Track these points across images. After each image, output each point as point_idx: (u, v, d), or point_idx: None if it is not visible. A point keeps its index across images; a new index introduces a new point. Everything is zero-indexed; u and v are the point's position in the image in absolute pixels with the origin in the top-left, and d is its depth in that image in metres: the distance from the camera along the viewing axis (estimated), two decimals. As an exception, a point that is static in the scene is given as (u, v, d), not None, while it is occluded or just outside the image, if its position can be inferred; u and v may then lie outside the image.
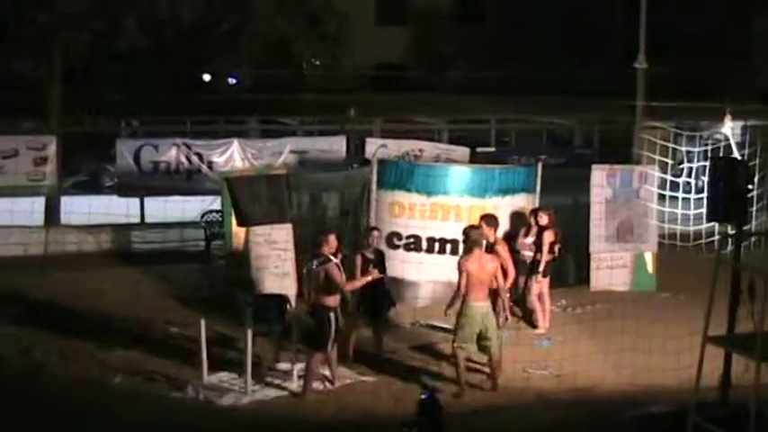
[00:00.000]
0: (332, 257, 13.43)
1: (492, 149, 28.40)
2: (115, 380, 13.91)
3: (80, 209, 22.79)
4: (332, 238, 13.71)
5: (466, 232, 13.69)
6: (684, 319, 13.54)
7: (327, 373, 13.78)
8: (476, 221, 15.71)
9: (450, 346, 13.37)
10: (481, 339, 13.14)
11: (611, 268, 18.77)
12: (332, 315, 13.26)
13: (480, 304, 13.06)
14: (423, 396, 9.47)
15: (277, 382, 13.69)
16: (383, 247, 15.67)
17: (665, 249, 18.73)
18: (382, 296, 14.72)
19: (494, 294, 13.46)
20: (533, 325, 16.23)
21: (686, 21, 36.81)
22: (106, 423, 12.07)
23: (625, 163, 21.47)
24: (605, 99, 30.36)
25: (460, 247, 16.17)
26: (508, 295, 14.53)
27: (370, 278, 13.83)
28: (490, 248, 14.37)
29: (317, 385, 13.47)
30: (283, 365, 14.12)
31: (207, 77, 39.95)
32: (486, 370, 13.50)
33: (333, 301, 13.30)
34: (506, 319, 14.21)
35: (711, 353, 9.75)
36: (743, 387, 9.87)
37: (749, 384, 9.51)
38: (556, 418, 11.62)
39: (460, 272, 13.08)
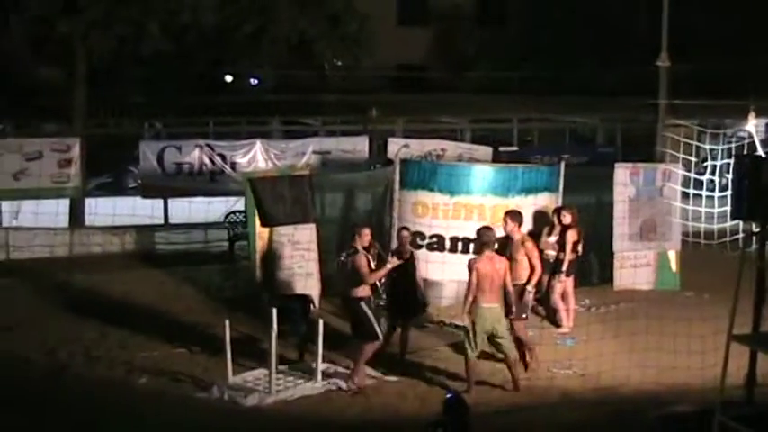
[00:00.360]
0: (361, 250, 13.52)
1: (514, 149, 28.39)
2: (140, 380, 13.99)
3: (104, 210, 22.93)
4: (365, 232, 13.79)
5: (478, 232, 13.65)
6: (708, 317, 13.49)
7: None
8: (499, 221, 15.76)
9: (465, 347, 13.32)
10: (494, 339, 13.17)
11: (635, 267, 18.74)
12: (363, 305, 13.40)
13: (491, 305, 13.05)
14: (448, 396, 9.47)
15: (301, 381, 13.71)
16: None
17: (688, 248, 18.66)
18: (413, 297, 14.73)
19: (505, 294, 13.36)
20: (557, 324, 16.19)
21: (709, 19, 36.59)
22: (131, 423, 12.11)
23: (648, 161, 21.42)
24: (628, 98, 30.24)
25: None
26: (531, 294, 14.44)
27: (389, 268, 13.78)
28: (507, 244, 14.38)
29: (342, 385, 13.54)
30: (307, 365, 14.14)
31: (229, 79, 40.05)
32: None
33: (362, 291, 13.46)
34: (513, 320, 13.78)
35: (736, 351, 9.72)
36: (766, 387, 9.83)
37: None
38: (580, 418, 11.61)
39: (470, 271, 13.07)
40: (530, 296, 14.38)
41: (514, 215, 14.91)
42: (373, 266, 13.62)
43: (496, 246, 13.75)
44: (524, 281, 14.23)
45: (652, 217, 18.76)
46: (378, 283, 14.02)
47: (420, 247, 16.82)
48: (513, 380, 13.37)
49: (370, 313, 13.48)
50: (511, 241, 14.61)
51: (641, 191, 18.79)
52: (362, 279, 13.39)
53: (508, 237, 14.69)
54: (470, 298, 13.07)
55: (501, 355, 13.44)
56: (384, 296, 14.76)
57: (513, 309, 13.49)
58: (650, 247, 18.77)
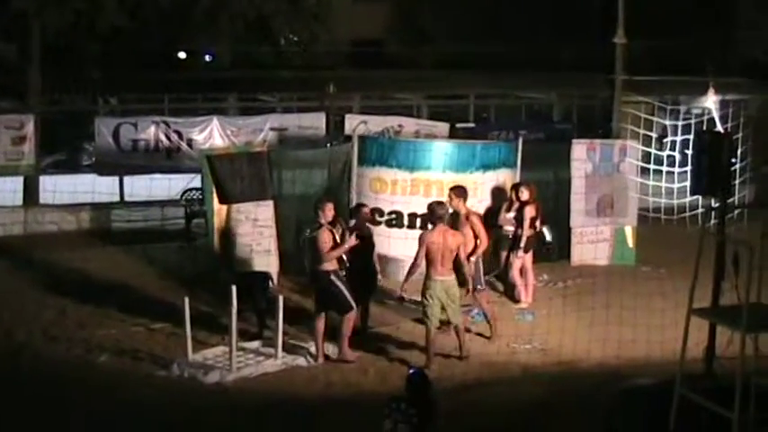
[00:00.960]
0: (325, 225, 13.52)
1: (471, 125, 28.38)
2: (100, 359, 13.88)
3: (59, 188, 22.66)
4: (329, 207, 13.75)
5: (431, 207, 13.75)
6: (667, 292, 13.66)
7: (313, 349, 13.84)
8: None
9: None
10: (445, 308, 13.38)
11: (592, 242, 18.86)
12: (333, 277, 13.46)
13: (443, 278, 13.28)
14: (410, 371, 9.48)
15: (261, 358, 13.68)
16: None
17: (648, 223, 18.82)
18: (372, 273, 14.72)
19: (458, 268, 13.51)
20: (515, 299, 16.28)
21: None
22: (92, 401, 11.99)
23: (605, 138, 21.54)
24: (584, 74, 30.34)
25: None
26: (473, 266, 14.35)
27: (348, 246, 13.69)
28: (455, 219, 14.38)
29: (302, 361, 13.55)
30: (267, 342, 14.10)
31: (183, 55, 39.68)
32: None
33: (330, 265, 13.49)
34: (467, 292, 13.87)
35: (695, 325, 9.77)
36: (726, 359, 9.91)
37: (732, 357, 9.56)
38: (542, 392, 11.66)
39: (420, 244, 13.27)
40: (475, 266, 14.44)
41: (459, 190, 14.88)
42: (338, 241, 13.59)
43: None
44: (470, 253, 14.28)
45: (609, 193, 18.90)
46: (344, 255, 13.97)
47: (379, 223, 16.79)
48: (459, 347, 13.61)
49: (341, 285, 13.52)
50: (457, 216, 14.58)
51: (598, 167, 18.92)
52: (322, 256, 13.36)
53: (455, 212, 14.61)
54: (414, 271, 13.37)
55: (452, 323, 13.63)
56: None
57: (470, 284, 13.65)
58: (607, 222, 18.90)
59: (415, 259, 13.35)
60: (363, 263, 14.44)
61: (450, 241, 13.29)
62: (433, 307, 13.27)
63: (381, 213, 16.95)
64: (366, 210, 15.24)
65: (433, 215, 13.52)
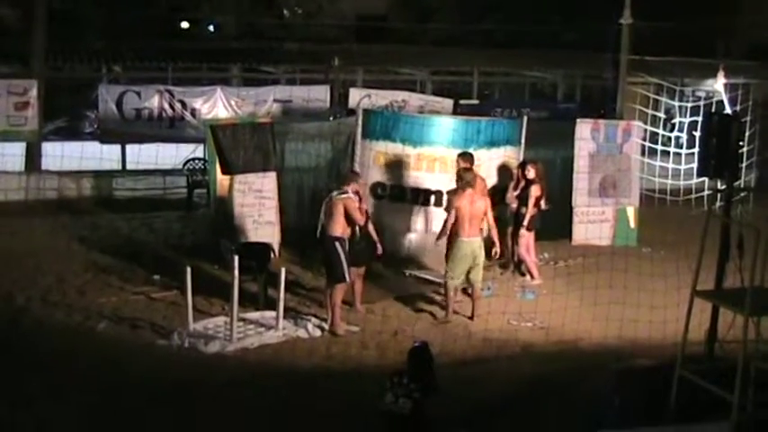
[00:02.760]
0: (352, 193, 13.82)
1: (475, 102, 28.32)
2: (99, 326, 13.85)
3: (60, 154, 22.58)
4: (359, 179, 14.35)
5: (458, 173, 14.60)
6: (668, 273, 13.60)
7: (312, 322, 13.86)
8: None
9: (446, 275, 14.34)
10: (469, 271, 14.20)
11: (594, 222, 18.87)
12: (337, 244, 13.63)
13: (471, 239, 14.11)
14: (415, 345, 9.49)
15: (262, 329, 13.68)
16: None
17: (653, 204, 18.81)
18: (370, 246, 14.73)
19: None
20: (522, 274, 16.25)
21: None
22: (90, 369, 11.97)
23: (609, 118, 21.52)
24: (590, 54, 30.28)
25: (444, 199, 16.34)
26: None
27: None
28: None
29: (303, 333, 13.56)
30: (268, 313, 14.12)
31: (185, 25, 39.56)
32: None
33: (340, 231, 13.72)
34: (496, 254, 14.72)
35: (696, 307, 9.78)
36: (727, 342, 9.92)
37: (734, 340, 9.57)
38: (542, 370, 11.66)
39: (450, 208, 14.19)
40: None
41: (465, 155, 15.45)
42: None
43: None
44: None
45: (612, 173, 18.90)
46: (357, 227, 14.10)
47: (381, 197, 16.78)
48: (472, 309, 14.35)
49: (342, 254, 13.65)
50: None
51: (602, 147, 18.92)
52: (349, 222, 13.74)
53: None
54: (447, 231, 14.19)
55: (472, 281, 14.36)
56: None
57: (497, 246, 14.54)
58: (609, 203, 18.89)
59: (446, 222, 14.23)
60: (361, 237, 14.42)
61: (477, 205, 14.14)
62: (460, 266, 14.12)
63: (384, 187, 16.89)
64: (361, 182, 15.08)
65: (461, 180, 14.35)
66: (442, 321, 14.22)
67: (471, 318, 14.31)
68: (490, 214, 14.38)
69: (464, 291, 15.02)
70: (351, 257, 14.07)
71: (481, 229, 14.40)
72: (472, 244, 14.13)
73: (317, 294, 15.19)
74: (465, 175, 14.41)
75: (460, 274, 14.24)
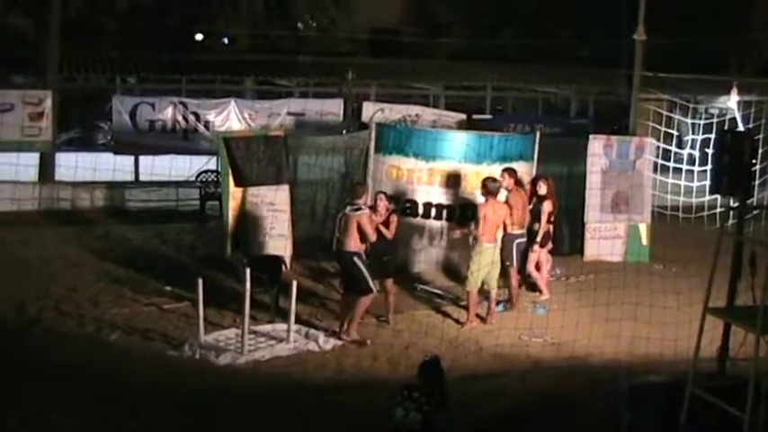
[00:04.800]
0: (365, 208, 14.01)
1: (488, 116, 28.37)
2: (111, 337, 13.88)
3: (75, 165, 22.66)
4: (367, 191, 14.51)
5: (484, 183, 15.06)
6: (680, 290, 13.62)
7: (323, 336, 13.89)
8: (472, 188, 16.28)
9: (468, 282, 14.80)
10: (488, 273, 14.81)
11: (606, 238, 18.84)
12: (356, 259, 13.79)
13: (491, 245, 14.79)
14: (426, 359, 9.49)
15: (273, 342, 13.70)
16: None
17: (664, 221, 18.78)
18: (388, 259, 14.77)
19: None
20: (533, 290, 16.25)
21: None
22: (102, 380, 11.97)
23: (621, 134, 21.51)
24: (603, 70, 30.32)
25: (457, 213, 16.39)
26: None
27: (386, 230, 14.42)
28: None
29: (314, 346, 13.59)
30: (279, 326, 14.14)
31: (199, 37, 39.69)
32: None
33: (356, 246, 13.86)
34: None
35: (708, 325, 9.76)
36: (739, 360, 9.90)
37: (745, 357, 9.55)
38: (553, 386, 11.64)
39: (480, 217, 14.65)
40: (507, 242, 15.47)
41: (511, 171, 15.93)
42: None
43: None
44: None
45: (624, 189, 18.87)
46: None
47: (394, 211, 16.78)
48: (488, 310, 14.96)
49: (363, 267, 13.80)
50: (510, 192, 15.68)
51: (614, 163, 18.91)
52: (363, 237, 13.84)
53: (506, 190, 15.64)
54: (478, 236, 14.73)
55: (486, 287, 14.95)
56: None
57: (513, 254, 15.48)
58: (621, 219, 18.87)
59: (477, 230, 14.76)
60: (379, 249, 14.49)
61: (499, 212, 14.94)
62: (480, 272, 14.65)
63: (397, 202, 16.89)
64: (382, 196, 15.12)
65: (487, 189, 14.91)
66: (464, 323, 14.78)
67: (485, 321, 14.78)
68: (507, 221, 15.17)
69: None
70: (379, 269, 14.33)
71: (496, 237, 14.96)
72: (491, 249, 14.77)
73: (329, 307, 15.23)
74: (490, 185, 14.92)
75: (481, 280, 14.72)
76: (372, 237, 13.94)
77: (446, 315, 15.27)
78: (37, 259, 17.49)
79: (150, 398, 11.24)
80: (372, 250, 14.30)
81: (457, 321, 14.96)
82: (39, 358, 12.64)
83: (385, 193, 15.38)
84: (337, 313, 14.62)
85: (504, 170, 15.92)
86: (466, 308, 15.00)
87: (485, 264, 14.68)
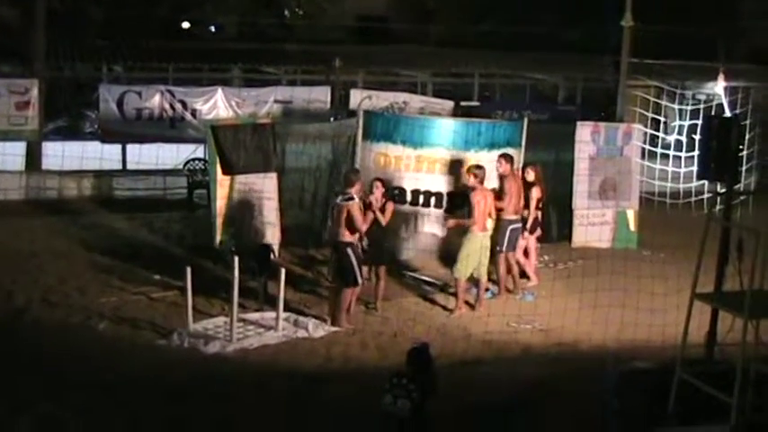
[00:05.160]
0: (357, 197, 13.94)
1: (476, 103, 28.33)
2: (99, 326, 13.86)
3: (62, 154, 22.57)
4: (361, 180, 14.36)
5: (474, 172, 15.05)
6: (668, 276, 13.66)
7: (312, 323, 13.89)
8: (460, 175, 16.28)
9: (456, 269, 14.81)
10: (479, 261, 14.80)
11: (594, 225, 18.88)
12: (349, 250, 13.80)
13: (482, 234, 14.76)
14: (415, 346, 9.49)
15: (262, 330, 13.69)
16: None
17: (653, 207, 18.83)
18: (381, 246, 14.79)
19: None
20: (525, 277, 16.26)
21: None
22: (90, 369, 11.98)
23: (609, 120, 21.53)
24: (590, 56, 30.31)
25: (444, 200, 16.40)
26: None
27: (375, 216, 14.41)
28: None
29: (303, 334, 13.59)
30: (268, 314, 14.13)
31: (186, 25, 39.55)
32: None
33: (351, 236, 13.88)
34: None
35: (696, 310, 9.79)
36: (727, 345, 9.93)
37: (733, 343, 9.58)
38: (542, 373, 11.67)
39: (473, 205, 14.72)
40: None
41: (506, 156, 15.88)
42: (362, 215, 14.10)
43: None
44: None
45: (612, 176, 18.92)
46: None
47: (390, 199, 16.76)
48: (476, 297, 14.98)
49: (354, 259, 13.83)
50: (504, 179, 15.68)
51: (602, 149, 18.95)
52: (355, 227, 13.84)
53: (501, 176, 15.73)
54: (468, 225, 14.81)
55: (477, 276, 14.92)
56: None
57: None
58: (609, 205, 18.90)
59: (471, 215, 14.81)
60: (374, 235, 14.56)
61: (488, 200, 14.92)
62: (472, 259, 14.68)
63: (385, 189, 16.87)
64: (379, 184, 15.10)
65: (476, 178, 14.94)
66: (452, 310, 14.78)
67: (473, 308, 14.82)
68: (493, 209, 15.07)
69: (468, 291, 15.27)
70: (376, 256, 14.51)
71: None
72: (484, 239, 14.74)
73: (318, 295, 15.23)
74: (478, 173, 14.96)
75: (470, 268, 14.71)
76: (362, 226, 13.95)
77: (434, 302, 15.29)
78: (24, 249, 17.41)
79: (139, 387, 11.25)
80: (370, 237, 14.35)
81: (445, 308, 15.01)
82: (27, 348, 12.62)
83: (382, 180, 15.35)
84: (326, 301, 14.63)
85: (501, 156, 15.92)
86: (455, 295, 15.01)
87: (474, 250, 14.66)
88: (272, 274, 14.43)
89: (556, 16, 38.39)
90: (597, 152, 18.87)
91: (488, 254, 14.96)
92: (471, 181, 15.10)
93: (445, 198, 16.84)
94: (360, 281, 14.01)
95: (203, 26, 40.49)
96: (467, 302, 14.97)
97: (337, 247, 14.00)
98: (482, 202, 14.73)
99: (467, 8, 41.95)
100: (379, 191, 14.82)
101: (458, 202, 16.49)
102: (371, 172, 16.66)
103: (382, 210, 14.66)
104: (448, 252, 16.36)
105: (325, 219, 17.13)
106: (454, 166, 16.79)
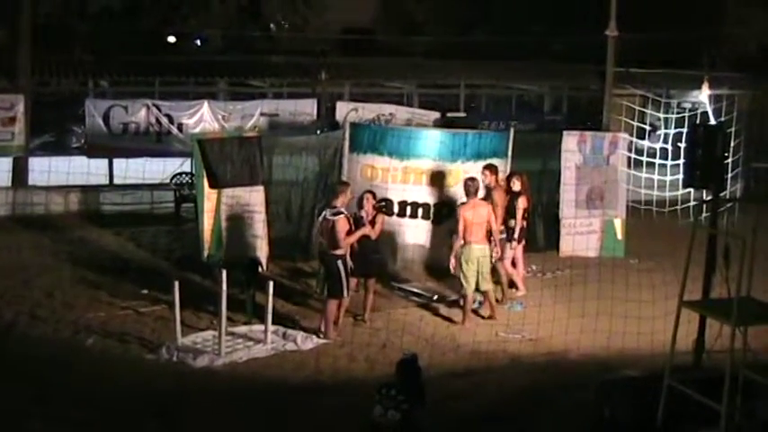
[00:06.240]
0: (344, 211, 13.92)
1: (462, 114, 28.38)
2: (88, 341, 13.82)
3: (48, 169, 22.50)
4: (348, 192, 14.34)
5: (465, 183, 15.09)
6: (656, 284, 13.66)
7: (301, 336, 13.88)
8: (446, 186, 16.52)
9: (460, 284, 14.87)
10: (479, 274, 14.72)
11: (581, 234, 18.90)
12: (340, 263, 13.79)
13: (479, 246, 14.69)
14: (404, 357, 9.49)
15: (250, 343, 13.67)
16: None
17: (640, 215, 18.88)
18: (371, 257, 14.80)
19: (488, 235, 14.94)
20: (509, 286, 16.25)
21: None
22: (78, 384, 11.95)
23: (595, 130, 21.59)
24: (576, 66, 30.40)
25: (432, 211, 16.42)
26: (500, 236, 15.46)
27: (363, 232, 14.34)
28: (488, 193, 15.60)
29: (292, 347, 13.58)
30: (256, 327, 14.11)
31: (172, 39, 39.53)
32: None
33: (341, 250, 13.87)
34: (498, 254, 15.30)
35: (684, 318, 9.81)
36: (715, 352, 9.95)
37: (721, 350, 9.60)
38: (531, 382, 11.68)
39: (458, 219, 14.68)
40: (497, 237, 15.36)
41: (492, 167, 15.94)
42: (353, 228, 14.10)
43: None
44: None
45: (599, 184, 18.94)
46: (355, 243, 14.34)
47: (380, 211, 16.77)
48: (490, 309, 14.99)
49: (343, 272, 13.83)
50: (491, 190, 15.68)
51: (588, 158, 18.99)
52: (338, 242, 13.78)
53: (488, 188, 15.68)
54: (459, 242, 14.67)
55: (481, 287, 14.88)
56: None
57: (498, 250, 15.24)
58: (596, 214, 18.94)
59: (457, 232, 14.68)
60: (363, 247, 14.58)
61: (481, 211, 14.74)
62: (471, 270, 14.62)
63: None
64: (369, 196, 15.10)
65: (466, 190, 14.94)
66: (461, 322, 14.76)
67: (491, 317, 14.90)
68: (493, 221, 14.92)
69: (455, 302, 15.30)
70: (364, 268, 14.51)
71: (487, 238, 14.85)
72: (480, 250, 14.66)
73: (306, 308, 15.22)
74: (470, 185, 14.96)
75: (473, 279, 14.65)
76: (343, 242, 13.87)
77: (423, 313, 15.27)
78: (11, 264, 17.35)
79: (128, 401, 11.20)
80: (359, 249, 14.35)
81: (441, 317, 15.00)
82: (14, 363, 12.56)
83: (373, 192, 15.34)
84: (315, 314, 14.63)
85: (486, 167, 15.94)
86: (461, 308, 15.00)
87: (472, 262, 14.62)
88: (260, 287, 14.41)
89: (542, 27, 38.51)
90: (584, 161, 18.91)
91: (488, 267, 14.84)
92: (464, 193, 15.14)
93: (432, 209, 16.86)
94: (346, 294, 13.99)
95: (189, 39, 40.47)
96: (478, 314, 15.04)
97: (327, 259, 13.99)
98: (470, 216, 14.63)
99: (452, 19, 42.02)
100: (369, 203, 14.82)
101: (445, 213, 16.54)
102: (358, 184, 16.66)
103: (372, 222, 14.64)
104: (435, 263, 16.40)
105: (311, 231, 17.13)
106: (441, 177, 16.81)
